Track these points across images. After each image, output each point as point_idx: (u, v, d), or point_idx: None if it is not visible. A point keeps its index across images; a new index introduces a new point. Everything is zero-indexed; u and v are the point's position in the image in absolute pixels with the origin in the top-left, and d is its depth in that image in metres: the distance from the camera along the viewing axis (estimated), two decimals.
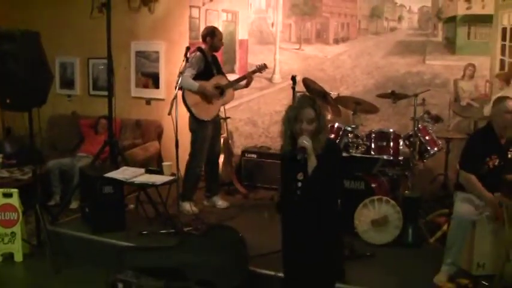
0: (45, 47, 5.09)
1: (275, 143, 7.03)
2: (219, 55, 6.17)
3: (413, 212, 5.00)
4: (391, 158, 5.39)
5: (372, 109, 5.71)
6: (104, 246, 4.98)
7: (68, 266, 4.84)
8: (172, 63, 7.24)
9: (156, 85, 7.78)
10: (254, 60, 7.01)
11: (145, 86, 7.88)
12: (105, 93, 5.93)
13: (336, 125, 5.48)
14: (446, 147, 5.89)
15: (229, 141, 6.97)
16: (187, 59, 5.33)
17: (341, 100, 5.84)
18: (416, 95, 5.42)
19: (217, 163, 6.27)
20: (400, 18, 6.60)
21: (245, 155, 7.06)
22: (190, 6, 7.49)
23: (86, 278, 4.67)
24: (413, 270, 4.41)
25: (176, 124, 4.98)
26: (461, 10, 6.15)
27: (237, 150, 7.21)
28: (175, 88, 5.22)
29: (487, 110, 5.83)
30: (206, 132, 5.80)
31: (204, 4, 7.44)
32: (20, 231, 5.05)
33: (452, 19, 6.23)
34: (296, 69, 6.80)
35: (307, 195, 3.31)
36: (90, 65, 8.30)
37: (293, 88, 5.67)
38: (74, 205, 5.94)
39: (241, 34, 7.39)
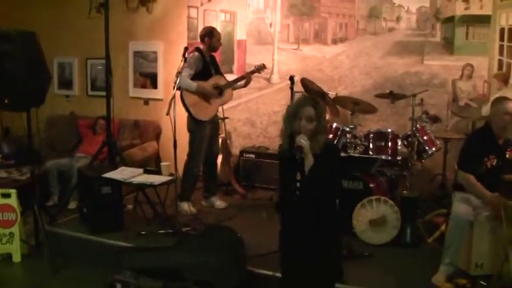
0: (43, 47, 5.09)
1: (273, 143, 7.03)
2: (217, 55, 6.16)
3: (412, 212, 5.01)
4: (389, 158, 5.39)
5: (370, 109, 5.71)
6: (102, 247, 4.98)
7: (66, 267, 4.83)
8: (171, 64, 7.24)
9: (154, 85, 7.78)
10: (252, 61, 7.01)
11: (144, 86, 7.88)
12: (103, 93, 5.92)
13: (334, 125, 5.47)
14: (445, 147, 5.89)
15: (228, 141, 6.97)
16: (185, 59, 5.32)
17: (339, 100, 5.84)
18: (414, 95, 5.42)
19: (216, 163, 6.26)
20: (398, 19, 6.60)
21: (243, 155, 7.06)
22: (189, 7, 7.49)
23: (84, 279, 4.67)
24: (411, 270, 4.41)
25: (174, 124, 4.98)
26: (459, 10, 6.16)
27: (235, 151, 7.21)
28: (174, 88, 5.22)
29: (485, 110, 5.83)
30: (204, 133, 5.80)
31: (202, 4, 7.44)
32: (18, 232, 5.05)
33: (450, 19, 6.24)
34: (294, 70, 6.80)
35: (306, 195, 3.31)
36: (88, 66, 8.29)
37: (291, 88, 5.68)
38: (72, 205, 5.94)
39: (240, 34, 7.39)
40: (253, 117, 7.37)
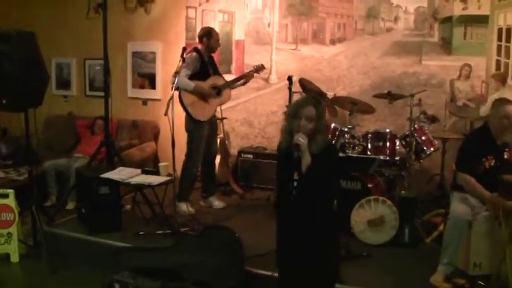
0: (41, 47, 5.07)
1: (271, 144, 7.04)
2: (215, 55, 6.15)
3: (410, 212, 5.01)
4: (388, 158, 5.40)
5: (368, 109, 5.72)
6: (101, 247, 4.97)
7: (64, 267, 4.83)
8: (169, 64, 7.24)
9: (153, 86, 7.78)
10: (251, 61, 7.02)
11: (142, 87, 7.88)
12: (102, 93, 5.91)
13: (333, 125, 5.48)
14: (443, 147, 5.90)
15: (226, 141, 6.96)
16: (183, 60, 5.32)
17: (337, 100, 5.85)
18: (412, 96, 5.42)
19: (214, 163, 6.25)
20: (396, 19, 6.61)
21: (241, 155, 7.06)
22: (187, 7, 7.49)
23: (83, 279, 4.67)
24: (409, 270, 4.41)
25: (172, 124, 4.98)
26: (457, 10, 6.17)
27: (234, 151, 7.20)
28: (172, 89, 5.22)
29: (483, 111, 5.84)
30: (202, 133, 5.80)
31: (200, 5, 7.44)
32: (16, 232, 5.04)
33: (448, 19, 6.25)
34: (292, 70, 6.81)
35: (303, 195, 3.31)
36: (86, 66, 8.28)
37: (289, 88, 5.69)
38: (70, 206, 5.93)
39: (238, 34, 7.39)
40: (251, 117, 7.38)
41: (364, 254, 4.68)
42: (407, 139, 5.37)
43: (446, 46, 6.28)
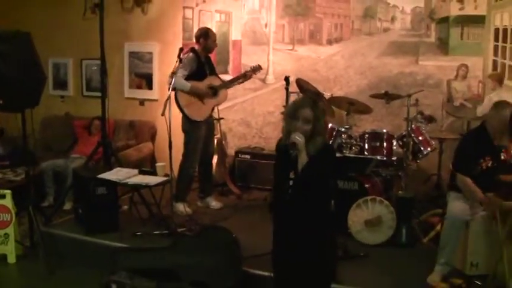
0: (38, 47, 5.06)
1: (268, 144, 7.04)
2: (212, 56, 6.15)
3: (407, 212, 5.02)
4: (385, 158, 5.41)
5: (365, 109, 5.72)
6: (98, 247, 4.96)
7: (61, 267, 4.82)
8: (166, 64, 7.22)
9: (150, 86, 7.78)
10: (247, 61, 7.03)
11: (139, 87, 7.87)
12: (99, 94, 5.91)
13: (330, 125, 5.48)
14: (440, 147, 5.91)
15: (223, 142, 6.96)
16: (180, 60, 5.32)
17: (334, 101, 5.85)
18: (409, 96, 5.43)
19: (211, 164, 6.26)
20: (393, 19, 6.62)
21: (239, 155, 7.06)
22: (184, 7, 7.49)
23: (80, 279, 4.66)
24: (407, 270, 4.41)
25: (169, 125, 4.97)
26: (454, 11, 6.18)
27: (231, 151, 7.20)
28: (169, 89, 5.22)
29: (480, 111, 5.86)
30: (199, 133, 5.80)
31: (197, 5, 7.44)
32: (13, 233, 5.03)
33: (445, 20, 6.26)
34: (289, 70, 6.81)
35: (298, 194, 3.31)
36: (83, 66, 8.27)
37: (286, 89, 5.68)
38: (67, 206, 5.93)
39: (235, 35, 7.40)
40: (248, 117, 7.38)
41: (361, 254, 4.68)
42: (405, 139, 5.38)
43: (443, 46, 6.29)
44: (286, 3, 7.08)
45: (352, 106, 5.57)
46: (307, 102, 3.37)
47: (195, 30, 6.25)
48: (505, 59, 5.93)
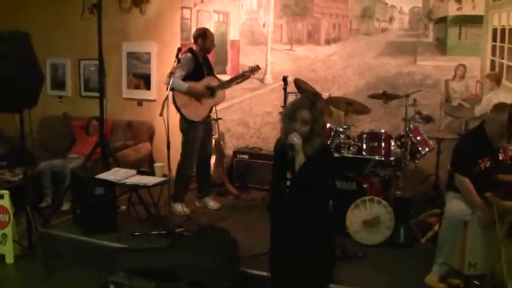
0: (36, 48, 5.06)
1: (267, 144, 7.04)
2: (210, 56, 6.14)
3: (405, 212, 5.02)
4: (383, 158, 5.40)
5: (363, 110, 5.72)
6: (96, 248, 4.96)
7: (59, 268, 4.82)
8: (164, 65, 7.22)
9: (148, 86, 7.77)
10: (246, 61, 7.03)
11: (137, 87, 7.87)
12: (97, 94, 5.88)
13: (328, 125, 5.47)
14: (438, 147, 5.91)
15: (221, 142, 6.96)
16: (178, 60, 5.32)
17: (332, 101, 5.85)
18: (407, 96, 5.42)
19: (209, 164, 6.25)
20: (391, 19, 6.62)
21: (237, 155, 7.05)
22: (182, 7, 7.48)
23: (78, 280, 4.66)
24: (405, 271, 4.42)
25: (168, 125, 4.98)
26: (452, 11, 6.18)
27: (229, 151, 7.20)
28: (167, 89, 5.22)
29: (478, 111, 5.87)
30: (197, 133, 5.80)
31: (195, 5, 7.43)
32: (11, 233, 5.03)
33: (443, 20, 6.26)
34: (287, 70, 6.81)
35: (295, 195, 3.31)
36: (81, 66, 8.27)
37: (284, 89, 5.68)
38: (65, 206, 5.94)
39: (233, 35, 7.39)
40: (246, 117, 7.37)
41: (359, 254, 4.68)
42: (403, 139, 5.38)
43: (441, 46, 6.29)
44: (284, 3, 7.08)
45: (350, 106, 5.57)
46: (305, 104, 3.37)
47: (193, 30, 6.26)
48: (503, 59, 5.93)
